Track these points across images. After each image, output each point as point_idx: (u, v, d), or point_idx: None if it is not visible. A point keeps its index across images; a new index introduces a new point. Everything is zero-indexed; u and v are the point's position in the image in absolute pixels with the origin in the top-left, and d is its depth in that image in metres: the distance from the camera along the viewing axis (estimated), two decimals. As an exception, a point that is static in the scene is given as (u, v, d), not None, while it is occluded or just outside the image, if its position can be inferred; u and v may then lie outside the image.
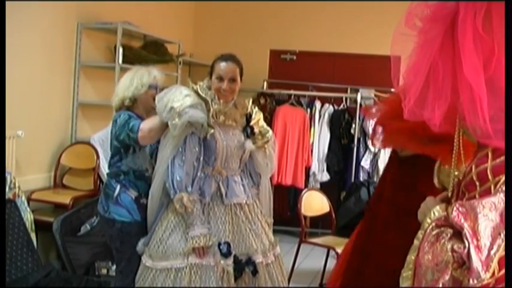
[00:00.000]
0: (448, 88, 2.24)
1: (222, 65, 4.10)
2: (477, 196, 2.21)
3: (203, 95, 4.00)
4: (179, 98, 3.88)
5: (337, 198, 8.20)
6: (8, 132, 5.43)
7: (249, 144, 4.18)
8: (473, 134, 2.30)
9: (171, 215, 4.00)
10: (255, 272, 4.05)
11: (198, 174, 3.99)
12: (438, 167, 3.45)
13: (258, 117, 4.31)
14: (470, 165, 2.33)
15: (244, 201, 4.18)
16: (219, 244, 3.95)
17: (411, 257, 2.35)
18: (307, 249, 6.65)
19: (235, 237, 4.07)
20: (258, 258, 4.12)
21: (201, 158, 3.99)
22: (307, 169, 8.69)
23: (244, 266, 4.01)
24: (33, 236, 5.34)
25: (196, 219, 3.89)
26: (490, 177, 2.19)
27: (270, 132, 4.35)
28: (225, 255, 3.93)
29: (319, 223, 7.76)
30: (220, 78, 4.07)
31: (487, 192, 2.16)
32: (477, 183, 2.24)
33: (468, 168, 2.34)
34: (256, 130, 4.23)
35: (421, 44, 2.32)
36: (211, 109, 3.98)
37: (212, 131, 3.98)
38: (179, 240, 3.93)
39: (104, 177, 6.38)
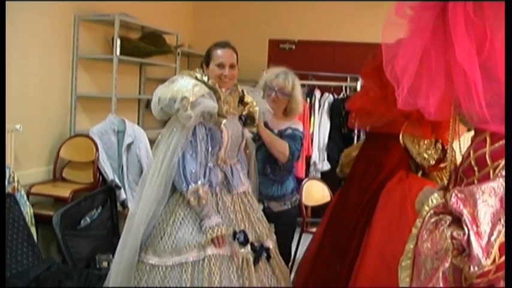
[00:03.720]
0: (441, 75, 2.22)
1: (221, 51, 4.07)
2: (476, 181, 2.19)
3: (211, 85, 3.95)
4: (189, 88, 3.80)
5: (338, 188, 8.17)
6: (6, 126, 5.41)
7: (248, 133, 4.18)
8: (469, 120, 2.28)
9: (177, 208, 3.92)
10: (268, 258, 4.06)
11: (208, 164, 3.96)
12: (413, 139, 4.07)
13: (249, 101, 4.27)
14: (468, 150, 2.31)
15: (248, 189, 4.17)
16: (235, 233, 3.92)
17: (410, 245, 2.33)
18: (309, 239, 6.60)
19: (246, 225, 4.05)
20: (270, 244, 4.14)
21: (209, 149, 3.96)
22: (308, 159, 8.65)
23: (261, 253, 4.01)
24: (33, 230, 5.31)
25: (211, 210, 3.85)
26: (488, 162, 2.17)
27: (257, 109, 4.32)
28: (243, 243, 3.91)
29: (320, 212, 7.72)
30: (221, 65, 4.03)
31: (486, 177, 2.14)
32: (475, 169, 2.22)
33: (466, 153, 2.32)
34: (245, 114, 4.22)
35: (412, 32, 2.31)
36: (221, 98, 3.94)
37: (224, 121, 3.94)
38: (191, 233, 3.85)
39: (104, 170, 6.38)
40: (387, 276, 3.69)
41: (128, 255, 3.86)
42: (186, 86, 3.82)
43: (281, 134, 4.75)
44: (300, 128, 4.86)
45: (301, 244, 6.20)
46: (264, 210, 4.43)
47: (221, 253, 3.85)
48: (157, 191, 3.86)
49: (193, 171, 3.83)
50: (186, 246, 3.83)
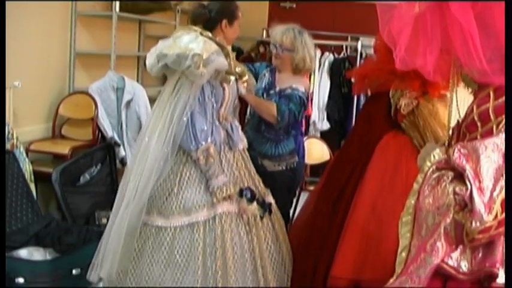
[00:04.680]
0: (437, 32, 2.22)
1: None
2: (479, 137, 2.19)
3: (218, 41, 3.90)
4: (200, 45, 3.71)
5: (338, 147, 8.15)
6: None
7: (242, 89, 4.15)
8: (471, 76, 2.27)
9: (182, 167, 3.88)
10: (270, 213, 4.09)
11: (215, 122, 3.92)
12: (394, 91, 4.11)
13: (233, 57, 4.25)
14: (471, 106, 2.30)
15: (245, 146, 4.16)
16: (241, 190, 3.92)
17: (411, 201, 2.33)
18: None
19: (249, 182, 4.06)
20: (271, 199, 4.16)
21: (214, 106, 3.92)
22: (307, 118, 8.63)
23: (266, 208, 4.03)
24: (32, 186, 5.32)
25: (217, 169, 3.83)
26: (492, 117, 2.16)
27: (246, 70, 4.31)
28: (250, 200, 3.91)
29: (319, 171, 7.73)
30: (238, 25, 4.11)
31: (488, 133, 2.14)
32: (478, 124, 2.21)
33: (469, 108, 2.31)
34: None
35: None
36: (229, 55, 3.91)
37: (233, 78, 3.91)
38: (199, 192, 3.84)
39: (103, 127, 6.36)
40: (377, 226, 3.78)
41: (131, 216, 3.77)
42: (195, 42, 3.74)
43: (280, 93, 4.71)
44: (302, 87, 4.74)
45: (300, 202, 6.20)
46: (257, 168, 4.41)
47: (230, 210, 3.86)
48: (165, 149, 3.78)
49: (204, 129, 3.78)
50: (196, 205, 3.81)
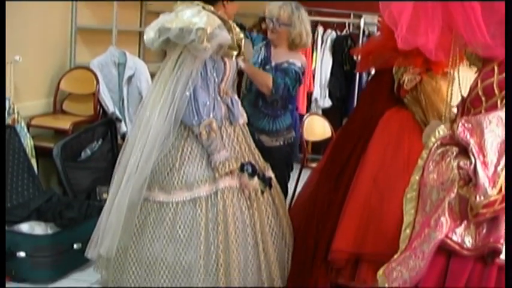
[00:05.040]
0: (438, 10, 2.22)
1: None
2: (483, 111, 2.18)
3: (220, 15, 3.87)
4: (204, 19, 3.68)
5: (339, 125, 8.14)
6: (6, 57, 5.35)
7: (241, 62, 4.13)
8: (475, 52, 2.27)
9: (183, 142, 3.87)
10: (270, 187, 4.09)
11: (217, 97, 3.90)
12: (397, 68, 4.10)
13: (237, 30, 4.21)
14: (475, 81, 2.29)
15: (245, 121, 4.14)
16: (242, 165, 3.91)
17: (415, 177, 2.32)
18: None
19: (250, 156, 4.05)
20: (271, 174, 4.16)
21: (216, 81, 3.90)
22: (309, 95, 8.62)
23: (267, 183, 4.03)
24: (33, 161, 5.32)
25: (219, 144, 3.82)
26: (496, 91, 2.16)
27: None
28: (251, 175, 3.91)
29: (321, 149, 7.73)
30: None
31: (493, 107, 2.14)
32: (483, 99, 2.21)
33: (473, 83, 2.30)
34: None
35: None
36: (232, 30, 3.88)
37: (235, 52, 3.89)
38: (200, 167, 3.84)
39: (104, 103, 6.34)
40: (379, 200, 3.79)
41: (132, 192, 3.76)
42: (198, 16, 3.71)
43: (276, 67, 4.70)
44: (298, 62, 4.73)
45: (301, 179, 6.20)
46: (255, 143, 4.41)
47: (232, 185, 3.86)
48: (168, 124, 3.76)
49: (206, 104, 3.77)
50: (198, 181, 3.81)
